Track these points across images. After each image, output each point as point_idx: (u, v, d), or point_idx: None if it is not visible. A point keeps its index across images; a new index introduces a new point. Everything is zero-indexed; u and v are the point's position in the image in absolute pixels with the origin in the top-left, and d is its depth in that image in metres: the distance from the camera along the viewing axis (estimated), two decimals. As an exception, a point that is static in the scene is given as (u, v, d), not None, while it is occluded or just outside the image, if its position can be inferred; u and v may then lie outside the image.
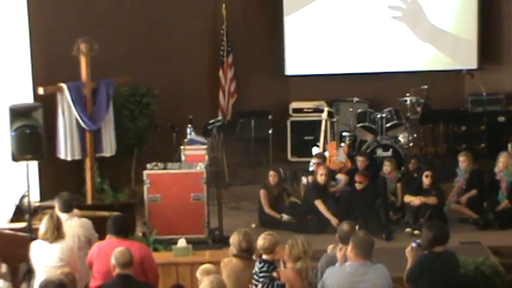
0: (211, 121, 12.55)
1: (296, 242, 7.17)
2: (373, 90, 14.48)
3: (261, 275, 7.11)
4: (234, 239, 7.42)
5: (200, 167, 10.83)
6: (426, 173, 11.27)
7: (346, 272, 6.76)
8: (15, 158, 9.69)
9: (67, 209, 8.48)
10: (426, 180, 11.19)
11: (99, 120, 11.35)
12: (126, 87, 12.74)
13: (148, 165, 10.88)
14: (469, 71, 13.98)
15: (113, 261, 7.00)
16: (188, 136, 11.76)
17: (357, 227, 9.47)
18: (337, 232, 7.53)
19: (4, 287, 7.28)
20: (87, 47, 11.14)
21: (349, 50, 14.60)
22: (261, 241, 7.29)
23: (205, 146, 11.50)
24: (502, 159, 11.35)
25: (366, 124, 13.44)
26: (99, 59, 11.26)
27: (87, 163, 11.39)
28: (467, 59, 14.45)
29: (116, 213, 8.92)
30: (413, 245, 7.49)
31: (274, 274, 7.05)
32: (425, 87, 13.51)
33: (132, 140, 12.80)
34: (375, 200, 11.16)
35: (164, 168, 10.83)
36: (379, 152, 12.80)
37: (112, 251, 7.24)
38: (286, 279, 7.02)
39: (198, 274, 7.13)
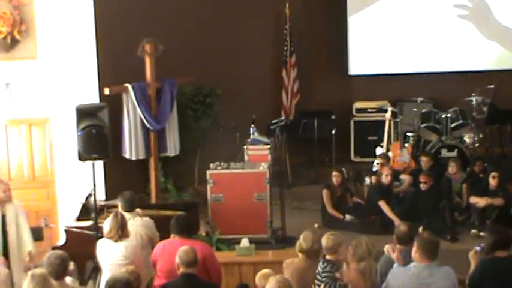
0: (274, 121, 12.57)
1: (360, 242, 7.12)
2: (438, 89, 14.32)
3: (324, 275, 7.09)
4: (307, 237, 7.38)
5: (263, 167, 10.84)
6: (493, 174, 11.08)
7: (412, 274, 6.68)
8: (82, 157, 9.83)
9: (130, 208, 8.57)
10: (493, 181, 11.00)
11: (163, 120, 11.45)
12: (189, 87, 12.85)
13: (211, 165, 10.93)
14: (537, 70, 13.75)
15: (177, 260, 7.05)
16: (251, 136, 11.79)
17: (420, 228, 9.43)
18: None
19: (72, 284, 7.41)
20: (151, 47, 11.25)
21: (413, 49, 14.47)
22: (324, 241, 7.27)
23: (268, 146, 11.52)
24: None
25: (431, 124, 13.31)
26: (164, 59, 11.36)
27: (152, 162, 11.50)
28: (535, 58, 14.21)
29: (179, 213, 8.97)
30: (477, 248, 7.30)
31: (337, 274, 7.02)
32: (492, 86, 13.29)
33: (195, 140, 12.89)
34: (440, 200, 11.03)
35: (227, 168, 10.86)
36: (444, 153, 12.66)
37: (175, 250, 7.30)
38: (349, 279, 6.98)
39: (257, 280, 7.13)
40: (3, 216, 8.78)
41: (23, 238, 8.93)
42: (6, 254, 8.65)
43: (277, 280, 6.40)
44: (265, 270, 7.21)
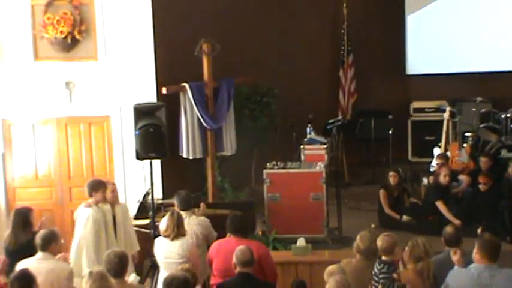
0: (330, 121, 12.55)
1: (417, 242, 7.07)
2: (497, 89, 14.14)
3: (381, 276, 7.04)
4: (365, 237, 7.34)
5: (320, 167, 10.82)
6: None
7: (472, 275, 6.59)
8: (139, 156, 9.93)
9: (186, 206, 8.63)
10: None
11: (220, 119, 11.50)
12: (246, 87, 12.89)
13: (268, 164, 10.95)
14: None
15: (234, 259, 7.08)
16: (308, 135, 11.79)
17: (479, 230, 9.31)
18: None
19: (135, 281, 7.49)
20: (209, 47, 11.31)
21: (471, 48, 14.31)
22: (379, 242, 7.22)
23: (324, 146, 11.51)
24: None
25: (490, 124, 13.15)
26: (221, 59, 11.41)
27: (209, 162, 11.57)
28: None
29: (235, 212, 9.01)
30: None
31: (395, 275, 6.98)
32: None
33: (252, 139, 12.92)
34: (499, 201, 10.87)
35: (284, 168, 10.86)
36: (504, 153, 12.47)
37: (230, 250, 7.33)
38: (407, 280, 6.93)
39: (325, 277, 7.10)
40: (114, 217, 8.90)
41: (131, 238, 9.08)
42: None
43: (336, 280, 6.37)
44: (333, 266, 7.15)
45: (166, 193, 11.66)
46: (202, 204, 8.78)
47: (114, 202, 8.96)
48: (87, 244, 8.60)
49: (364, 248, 7.25)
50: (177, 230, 7.97)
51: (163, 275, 7.60)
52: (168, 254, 7.96)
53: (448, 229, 7.43)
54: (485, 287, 6.52)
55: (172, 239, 7.96)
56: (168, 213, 8.15)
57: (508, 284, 6.54)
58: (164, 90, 11.09)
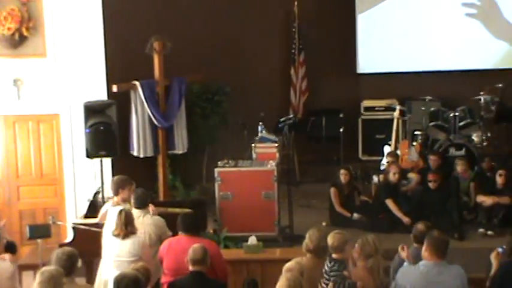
0: (282, 119, 12.54)
1: (367, 240, 7.12)
2: (446, 88, 14.29)
3: (332, 274, 7.06)
4: (313, 235, 7.35)
5: (271, 165, 10.84)
6: (500, 172, 11.06)
7: (420, 272, 6.67)
8: (90, 154, 9.87)
9: (140, 205, 8.56)
10: (500, 180, 10.98)
11: (171, 117, 11.45)
12: (198, 85, 12.86)
13: (219, 163, 10.94)
14: (545, 69, 13.71)
15: (187, 257, 7.06)
16: (259, 134, 11.79)
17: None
18: (412, 231, 7.46)
19: (82, 283, 7.43)
20: (160, 45, 11.25)
21: (422, 48, 14.44)
22: (330, 240, 7.25)
23: (276, 144, 11.50)
24: None
25: (439, 123, 13.28)
26: (172, 57, 11.36)
27: (160, 160, 11.51)
28: (544, 57, 14.17)
29: (187, 211, 8.97)
30: (500, 250, 7.18)
31: (346, 273, 7.01)
32: (500, 85, 13.28)
33: (203, 138, 12.90)
34: (448, 199, 11.01)
35: (235, 166, 10.87)
36: (452, 151, 12.61)
37: (181, 248, 7.30)
38: (357, 277, 6.96)
39: (283, 272, 7.10)
40: None
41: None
42: None
43: (288, 278, 6.37)
44: (291, 263, 7.14)
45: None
46: (151, 206, 8.69)
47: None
48: None
49: (314, 247, 7.26)
50: (126, 229, 7.91)
51: (114, 273, 7.53)
52: (119, 252, 7.90)
53: (420, 226, 7.52)
54: (434, 283, 6.61)
55: (123, 238, 7.90)
56: (117, 213, 8.09)
57: (456, 280, 6.64)
58: (114, 88, 11.00)
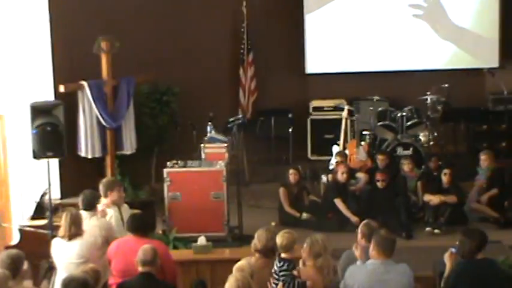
0: (231, 119, 12.53)
1: (315, 239, 7.16)
2: (393, 88, 14.43)
3: (281, 273, 7.09)
4: (261, 235, 7.37)
5: (220, 165, 10.84)
6: (445, 171, 11.22)
7: (368, 270, 6.74)
8: (36, 155, 9.74)
9: (87, 207, 8.47)
10: (445, 179, 11.14)
11: (119, 118, 11.38)
12: (146, 85, 12.80)
13: (168, 163, 10.90)
14: (490, 70, 13.94)
15: (137, 258, 7.01)
16: (208, 134, 11.77)
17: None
18: (359, 230, 7.52)
19: (28, 286, 7.33)
20: (107, 44, 11.17)
21: (370, 48, 14.55)
22: (279, 239, 7.27)
23: (225, 144, 11.50)
24: (523, 158, 11.28)
25: (387, 123, 13.41)
26: (121, 57, 11.29)
27: (108, 161, 11.44)
28: (489, 58, 14.37)
29: (135, 211, 8.92)
30: (453, 250, 7.23)
31: (295, 272, 7.03)
32: (446, 85, 13.46)
33: (152, 138, 12.84)
34: (395, 198, 11.13)
35: (184, 166, 10.84)
36: (400, 151, 12.76)
37: (129, 249, 7.25)
38: (307, 276, 7.00)
39: (233, 272, 7.09)
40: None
41: None
42: None
43: (237, 279, 6.37)
44: (242, 263, 7.13)
45: (65, 193, 11.48)
46: (100, 208, 8.62)
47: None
48: None
49: (262, 247, 7.28)
50: (72, 231, 7.83)
51: (61, 276, 7.45)
52: (67, 254, 7.82)
53: (366, 224, 7.52)
54: (381, 281, 6.67)
55: (69, 240, 7.82)
56: (63, 214, 8.00)
57: (402, 278, 6.71)
58: (61, 89, 10.90)
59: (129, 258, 7.17)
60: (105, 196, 8.67)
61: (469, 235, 7.10)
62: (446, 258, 7.24)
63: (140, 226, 7.81)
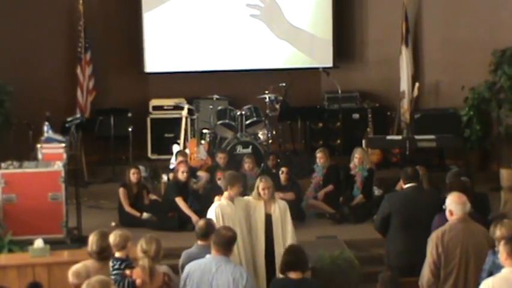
0: (69, 119, 12.31)
1: (150, 238, 7.11)
2: (232, 87, 14.62)
3: (114, 272, 7.02)
4: (94, 238, 7.28)
5: (58, 166, 10.63)
6: (282, 169, 11.48)
7: (202, 267, 6.90)
8: None
9: None
10: (282, 177, 11.39)
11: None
12: (-22, 85, 12.37)
13: (2, 164, 10.58)
14: (325, 69, 14.33)
15: None
16: (45, 134, 11.52)
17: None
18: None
19: None
20: None
21: (208, 48, 14.67)
22: (111, 239, 7.21)
23: (63, 144, 11.28)
24: (357, 155, 11.67)
25: (226, 121, 13.53)
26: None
27: None
28: (324, 58, 14.80)
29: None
30: None
31: (128, 272, 6.98)
32: (283, 84, 13.75)
33: (-15, 139, 12.42)
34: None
35: (20, 167, 10.56)
36: (240, 149, 12.92)
37: None
38: (137, 276, 6.95)
39: (69, 276, 6.93)
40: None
41: None
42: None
43: (91, 285, 6.12)
44: (78, 266, 6.97)
45: None
46: None
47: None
48: None
49: (96, 249, 7.18)
50: None
51: None
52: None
53: (200, 223, 7.69)
54: (211, 276, 6.81)
55: None
56: None
57: (229, 276, 6.81)
58: None
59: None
60: (225, 190, 8.48)
61: (287, 251, 7.07)
62: None
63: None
